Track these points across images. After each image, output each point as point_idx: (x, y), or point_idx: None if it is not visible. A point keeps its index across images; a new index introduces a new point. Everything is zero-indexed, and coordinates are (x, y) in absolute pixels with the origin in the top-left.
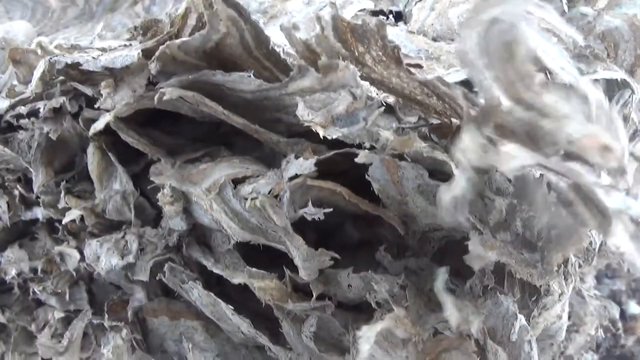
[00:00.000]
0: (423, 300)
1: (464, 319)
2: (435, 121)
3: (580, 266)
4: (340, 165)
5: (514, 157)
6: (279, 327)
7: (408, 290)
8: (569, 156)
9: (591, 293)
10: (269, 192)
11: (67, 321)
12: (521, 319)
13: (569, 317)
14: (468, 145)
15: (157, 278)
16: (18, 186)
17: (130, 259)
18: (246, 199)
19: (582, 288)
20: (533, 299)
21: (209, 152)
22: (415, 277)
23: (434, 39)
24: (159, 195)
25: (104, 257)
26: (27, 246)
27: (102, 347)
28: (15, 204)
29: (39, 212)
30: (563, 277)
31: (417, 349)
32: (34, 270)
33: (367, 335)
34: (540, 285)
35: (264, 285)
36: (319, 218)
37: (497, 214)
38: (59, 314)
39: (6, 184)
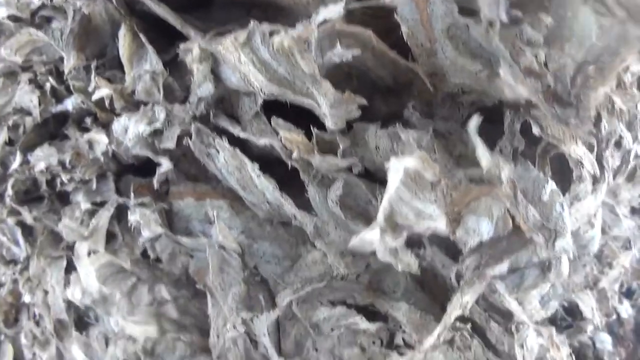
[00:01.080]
0: (452, 160)
1: (495, 163)
2: None
3: (614, 176)
4: (369, 27)
5: None
6: (304, 196)
7: (436, 145)
8: None
9: (626, 213)
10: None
11: (93, 214)
12: (552, 184)
13: (602, 253)
14: None
15: (184, 143)
16: (50, 78)
17: (158, 125)
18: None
19: (615, 205)
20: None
21: (239, 24)
22: (444, 141)
23: None
24: (188, 57)
25: (132, 127)
26: (57, 145)
27: (129, 215)
28: (46, 99)
29: (69, 104)
30: (595, 159)
31: (445, 197)
32: (62, 164)
33: (396, 167)
34: (572, 171)
35: (290, 137)
36: (347, 59)
37: (526, 60)
38: (85, 206)
39: (38, 78)
